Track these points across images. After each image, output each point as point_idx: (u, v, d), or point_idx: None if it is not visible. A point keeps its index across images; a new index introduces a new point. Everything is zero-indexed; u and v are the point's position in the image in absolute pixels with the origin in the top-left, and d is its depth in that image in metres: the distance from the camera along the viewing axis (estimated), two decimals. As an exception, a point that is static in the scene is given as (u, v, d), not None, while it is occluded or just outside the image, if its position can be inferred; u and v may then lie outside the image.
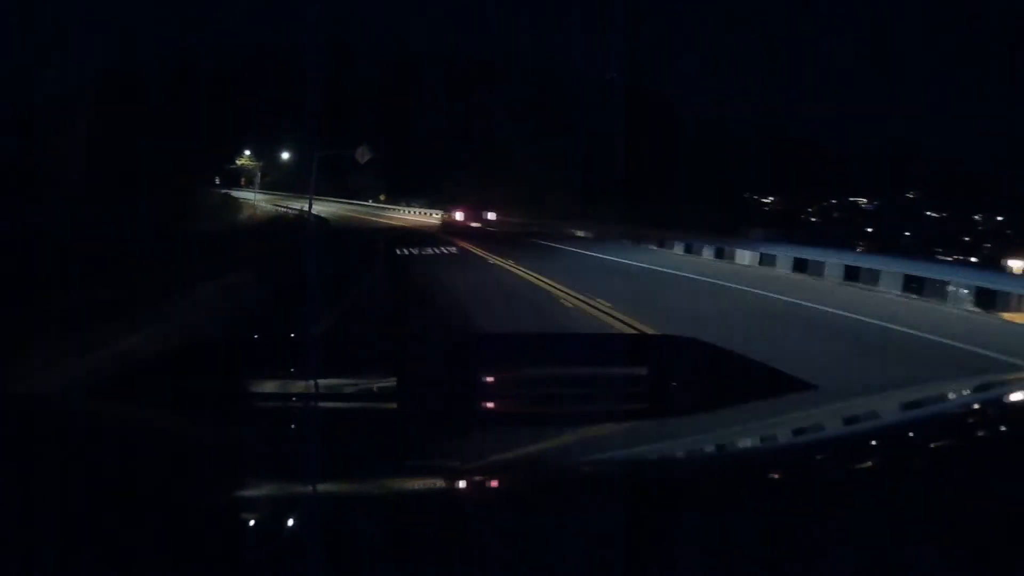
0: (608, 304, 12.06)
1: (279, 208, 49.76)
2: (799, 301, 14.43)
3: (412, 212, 56.77)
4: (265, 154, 57.63)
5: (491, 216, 36.32)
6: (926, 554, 0.72)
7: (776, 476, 0.97)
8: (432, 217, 47.06)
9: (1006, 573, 0.71)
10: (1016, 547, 0.73)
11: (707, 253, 25.43)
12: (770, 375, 1.82)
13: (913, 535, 0.76)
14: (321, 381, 1.67)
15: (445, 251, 23.62)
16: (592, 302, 12.42)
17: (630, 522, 0.76)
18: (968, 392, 1.43)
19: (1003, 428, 1.17)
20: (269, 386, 1.67)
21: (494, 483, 0.98)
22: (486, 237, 31.92)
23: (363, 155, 36.26)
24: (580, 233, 34.92)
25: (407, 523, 0.78)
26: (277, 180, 60.70)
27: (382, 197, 63.33)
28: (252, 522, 0.79)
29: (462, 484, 0.97)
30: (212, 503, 0.84)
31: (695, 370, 1.84)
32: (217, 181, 46.64)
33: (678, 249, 26.92)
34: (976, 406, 1.32)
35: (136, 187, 21.14)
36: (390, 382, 1.74)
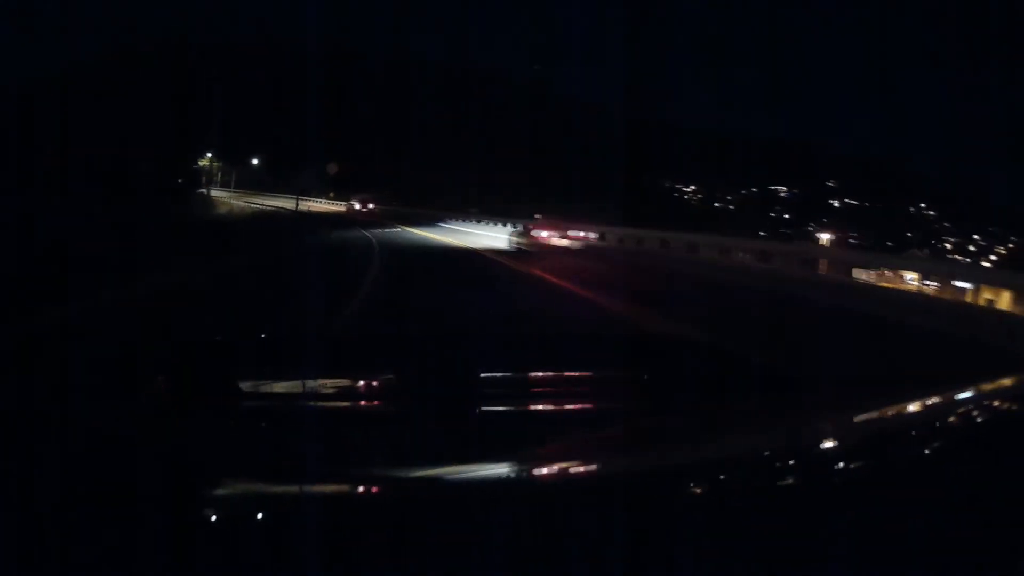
0: (424, 232, 31.64)
1: (252, 204, 54.13)
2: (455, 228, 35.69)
3: (329, 203, 65.99)
4: (226, 155, 63.31)
5: (371, 205, 54.49)
6: (926, 553, 0.72)
7: (775, 476, 0.97)
8: (340, 206, 62.15)
9: (1006, 573, 0.70)
10: (1016, 545, 0.73)
11: (493, 223, 36.88)
12: (770, 375, 1.85)
13: (912, 535, 0.76)
14: (320, 381, 1.67)
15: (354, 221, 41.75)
16: (420, 231, 31.55)
17: (630, 522, 0.76)
18: (963, 392, 1.45)
19: (999, 427, 1.16)
20: (269, 386, 1.67)
21: (493, 483, 0.98)
22: (371, 213, 52.29)
23: (332, 168, 50.51)
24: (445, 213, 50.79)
25: (407, 523, 0.78)
26: (232, 180, 66.49)
27: (331, 194, 69.97)
28: (252, 522, 0.78)
29: (462, 484, 0.97)
30: (212, 503, 0.84)
31: (695, 370, 1.83)
32: (179, 180, 52.39)
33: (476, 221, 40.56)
34: (972, 406, 1.33)
35: (132, 187, 25.85)
36: (389, 382, 1.72)
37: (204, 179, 59.83)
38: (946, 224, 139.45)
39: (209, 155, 62.44)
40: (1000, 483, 0.87)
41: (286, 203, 56.64)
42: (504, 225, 30.71)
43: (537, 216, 26.66)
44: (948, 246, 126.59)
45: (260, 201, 57.37)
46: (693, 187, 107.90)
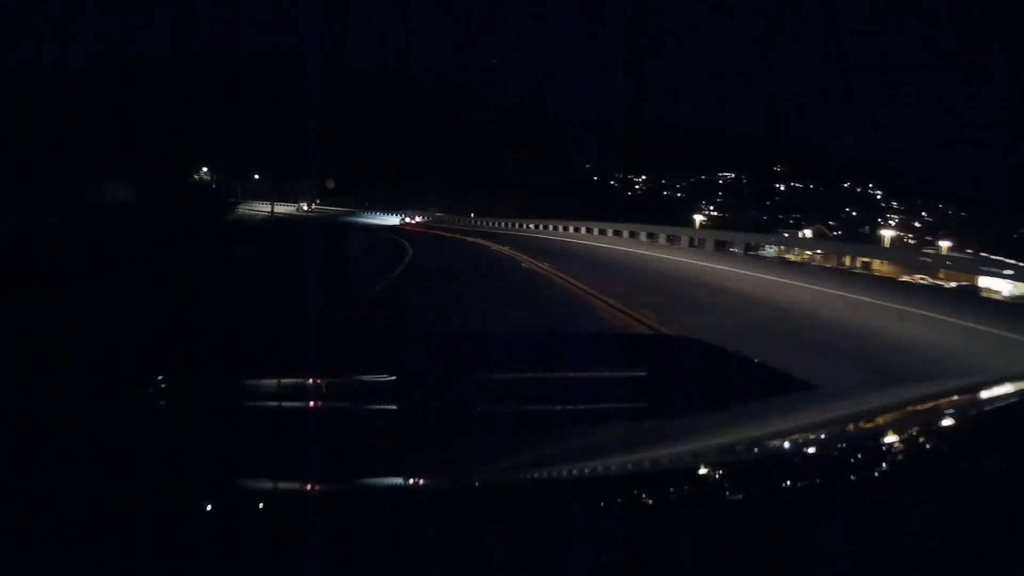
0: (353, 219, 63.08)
1: (255, 211, 60.37)
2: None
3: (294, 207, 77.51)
4: (223, 168, 71.03)
5: (314, 206, 77.20)
6: (925, 554, 0.72)
7: (775, 476, 0.98)
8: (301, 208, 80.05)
9: (1005, 574, 0.71)
10: (1015, 548, 0.73)
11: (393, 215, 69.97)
12: (770, 375, 1.84)
13: (911, 535, 0.76)
14: (321, 381, 1.68)
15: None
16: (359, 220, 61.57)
17: (630, 522, 0.77)
18: (965, 393, 1.44)
19: (999, 430, 1.15)
20: (269, 386, 1.68)
21: (494, 483, 0.99)
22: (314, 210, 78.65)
23: (330, 183, 67.61)
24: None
25: (407, 523, 0.79)
26: (237, 191, 74.28)
27: (318, 200, 79.75)
28: (252, 522, 0.79)
29: (462, 484, 0.97)
30: (212, 503, 0.84)
31: (695, 370, 1.86)
32: (231, 198, 60.04)
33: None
34: (973, 407, 1.34)
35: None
36: (390, 382, 1.73)
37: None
38: (893, 203, 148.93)
39: (205, 169, 69.84)
40: (999, 487, 0.88)
41: (285, 209, 66.10)
42: (400, 215, 67.35)
43: (405, 211, 68.48)
44: (892, 223, 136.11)
45: (264, 209, 66.40)
46: (644, 177, 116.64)
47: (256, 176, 69.22)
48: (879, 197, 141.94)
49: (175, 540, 0.74)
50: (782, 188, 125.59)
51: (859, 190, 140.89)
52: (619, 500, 0.86)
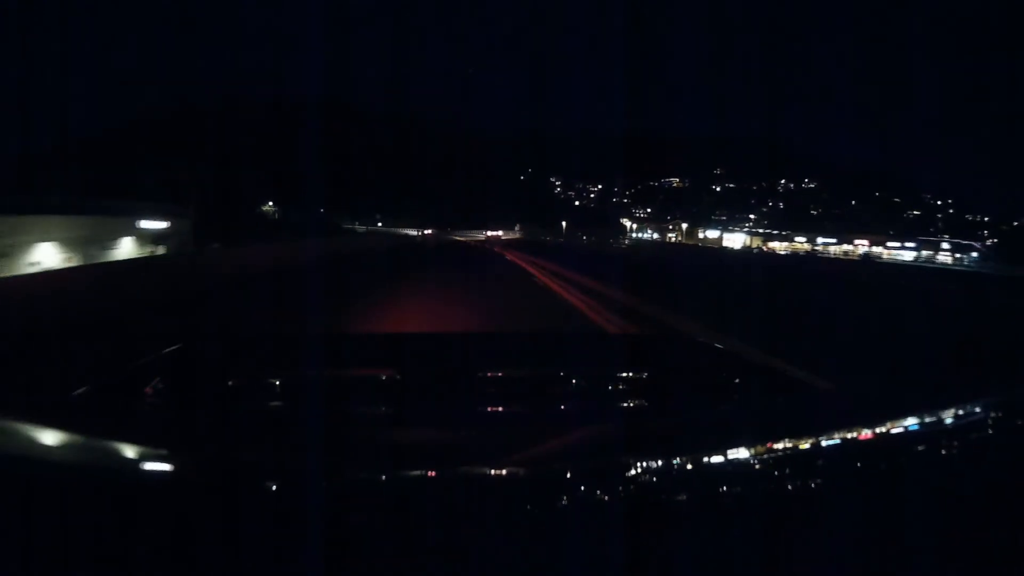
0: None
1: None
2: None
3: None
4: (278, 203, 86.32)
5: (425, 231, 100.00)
6: (926, 555, 0.72)
7: (774, 478, 0.98)
8: None
9: (1005, 574, 0.71)
10: (1016, 549, 0.74)
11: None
12: (770, 375, 1.85)
13: (913, 537, 0.76)
14: (319, 380, 1.70)
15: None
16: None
17: (630, 522, 0.77)
18: (967, 399, 1.44)
19: (1001, 434, 1.16)
20: (269, 385, 1.69)
21: (494, 482, 0.99)
22: None
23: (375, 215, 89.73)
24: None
25: (407, 521, 0.79)
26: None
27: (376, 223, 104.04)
28: (252, 521, 0.79)
29: (462, 483, 0.98)
30: (212, 502, 0.84)
31: (695, 370, 1.86)
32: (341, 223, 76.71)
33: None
34: (974, 413, 1.33)
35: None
36: (390, 381, 1.71)
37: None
38: (824, 195, 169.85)
39: (271, 203, 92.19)
40: (999, 490, 0.88)
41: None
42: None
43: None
44: (815, 212, 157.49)
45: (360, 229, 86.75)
46: (600, 186, 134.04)
47: (321, 210, 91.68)
48: (813, 187, 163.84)
49: (176, 539, 0.74)
50: (718, 189, 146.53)
51: (792, 186, 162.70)
52: (619, 500, 0.86)
